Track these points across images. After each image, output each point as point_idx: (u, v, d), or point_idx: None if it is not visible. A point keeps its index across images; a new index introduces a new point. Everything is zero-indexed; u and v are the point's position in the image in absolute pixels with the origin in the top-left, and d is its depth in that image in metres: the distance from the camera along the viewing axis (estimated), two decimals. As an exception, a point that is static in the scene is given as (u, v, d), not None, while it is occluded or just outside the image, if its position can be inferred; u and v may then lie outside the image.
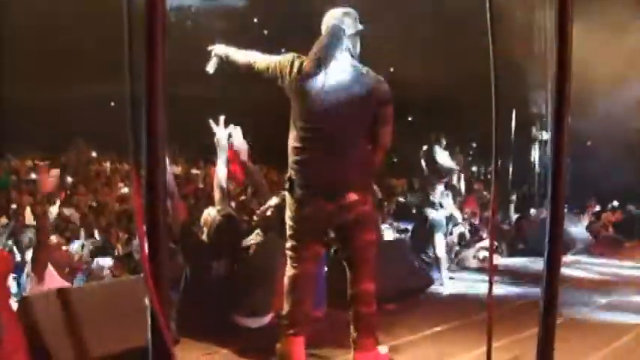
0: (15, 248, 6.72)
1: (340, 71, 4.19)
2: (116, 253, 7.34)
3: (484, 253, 8.84)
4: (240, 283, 5.28)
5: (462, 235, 9.06)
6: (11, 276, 4.85)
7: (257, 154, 6.29)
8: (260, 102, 9.64)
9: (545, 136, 14.40)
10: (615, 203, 13.71)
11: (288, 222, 4.33)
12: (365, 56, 4.34)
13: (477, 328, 4.98)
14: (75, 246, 6.68)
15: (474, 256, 9.09)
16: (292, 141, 4.25)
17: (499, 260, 9.37)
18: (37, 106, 13.55)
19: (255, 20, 16.02)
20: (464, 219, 9.64)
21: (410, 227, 9.26)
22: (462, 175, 9.51)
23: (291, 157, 4.25)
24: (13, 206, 9.45)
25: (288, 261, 4.36)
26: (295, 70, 4.22)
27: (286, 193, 4.34)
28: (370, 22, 4.35)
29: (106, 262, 6.57)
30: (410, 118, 16.37)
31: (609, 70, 11.13)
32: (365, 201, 4.23)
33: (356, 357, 4.27)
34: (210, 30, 14.29)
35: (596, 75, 10.17)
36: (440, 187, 8.21)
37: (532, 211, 11.83)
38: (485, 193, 11.65)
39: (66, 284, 4.97)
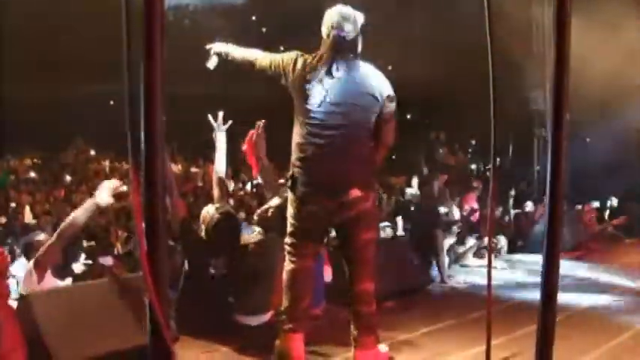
0: (15, 247, 6.72)
1: (342, 69, 4.20)
2: (116, 252, 7.35)
3: (483, 250, 8.86)
4: (239, 281, 5.28)
5: (460, 233, 9.06)
6: (10, 275, 4.85)
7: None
8: (260, 100, 9.65)
9: (545, 133, 14.39)
10: (614, 200, 13.72)
11: (290, 219, 4.33)
12: (363, 54, 4.34)
13: (476, 326, 4.98)
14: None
15: (474, 254, 9.10)
16: (296, 137, 4.26)
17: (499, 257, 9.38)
18: (36, 105, 13.54)
19: (254, 18, 16.01)
20: (462, 216, 9.65)
21: (409, 225, 9.27)
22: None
23: (295, 154, 4.25)
24: (12, 205, 9.46)
25: (287, 256, 4.37)
26: (299, 68, 4.23)
27: (288, 190, 4.34)
28: (368, 19, 4.33)
29: (107, 260, 6.57)
30: (409, 116, 16.37)
31: (607, 66, 11.12)
32: (367, 197, 4.23)
33: (356, 355, 4.27)
34: (208, 28, 14.26)
35: (594, 72, 10.17)
36: (438, 185, 8.25)
37: (529, 204, 11.82)
38: (484, 190, 11.64)
39: (60, 283, 4.97)
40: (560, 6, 1.59)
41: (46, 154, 14.18)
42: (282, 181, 5.94)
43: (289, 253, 4.36)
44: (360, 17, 4.29)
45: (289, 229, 4.34)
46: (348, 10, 4.26)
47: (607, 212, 13.14)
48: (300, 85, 4.22)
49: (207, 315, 5.07)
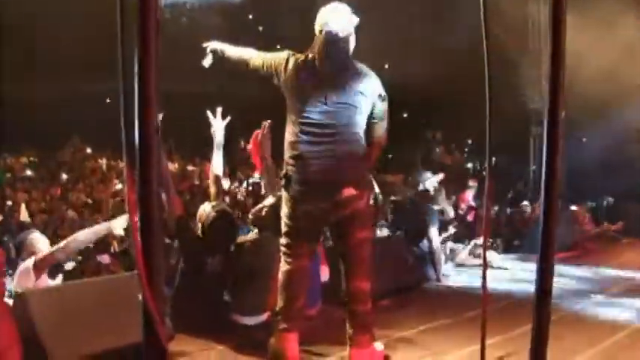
0: (11, 245, 6.70)
1: (335, 68, 4.20)
2: (112, 250, 7.33)
3: (479, 250, 8.87)
4: (235, 279, 5.28)
5: (456, 231, 9.07)
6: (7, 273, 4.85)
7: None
8: (256, 98, 9.63)
9: (541, 131, 14.36)
10: (610, 200, 13.74)
11: (284, 219, 4.34)
12: (359, 52, 4.34)
13: (471, 325, 4.99)
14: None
15: (470, 252, 9.12)
16: (289, 136, 4.26)
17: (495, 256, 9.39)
18: (33, 103, 13.51)
19: (251, 17, 15.99)
20: (458, 215, 9.66)
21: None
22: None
23: (287, 153, 4.25)
24: (9, 203, 9.44)
25: (283, 257, 4.37)
26: (290, 67, 4.23)
27: (282, 189, 4.34)
28: (364, 18, 4.32)
29: (104, 258, 6.56)
30: (405, 115, 16.36)
31: (603, 64, 11.12)
32: (361, 196, 4.24)
33: (352, 353, 4.28)
34: (205, 26, 14.25)
35: (590, 71, 10.18)
36: (433, 182, 8.26)
37: (525, 203, 11.83)
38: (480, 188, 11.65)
39: (50, 282, 4.98)
40: (555, 3, 1.59)
41: (43, 152, 14.14)
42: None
43: (285, 253, 4.36)
44: (353, 17, 4.28)
45: (284, 228, 4.34)
46: (341, 8, 4.25)
47: (603, 212, 13.16)
48: (292, 85, 4.22)
49: (204, 313, 5.07)
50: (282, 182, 4.29)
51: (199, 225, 5.34)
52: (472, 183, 10.86)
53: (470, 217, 9.88)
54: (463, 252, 9.05)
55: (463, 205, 10.19)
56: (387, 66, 11.41)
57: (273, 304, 4.75)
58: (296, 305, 4.32)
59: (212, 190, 5.58)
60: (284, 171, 4.28)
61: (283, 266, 4.35)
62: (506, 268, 8.71)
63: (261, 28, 15.74)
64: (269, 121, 5.19)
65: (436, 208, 8.40)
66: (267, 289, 5.10)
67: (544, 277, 1.73)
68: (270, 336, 4.42)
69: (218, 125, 5.51)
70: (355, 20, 4.28)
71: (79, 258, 6.38)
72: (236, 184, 13.01)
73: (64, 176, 12.60)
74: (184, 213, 5.46)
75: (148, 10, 1.33)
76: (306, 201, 4.20)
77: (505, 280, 7.83)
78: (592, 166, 11.99)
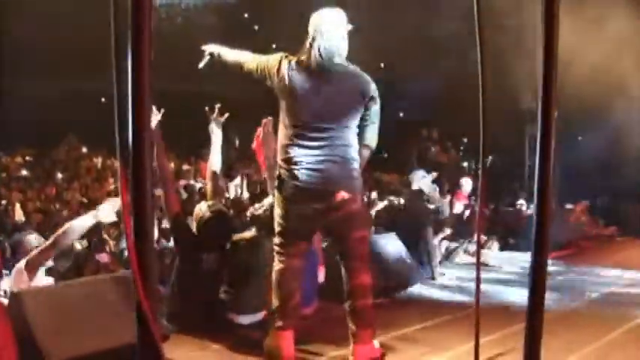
0: (6, 244, 6.68)
1: (328, 70, 4.21)
2: (108, 249, 7.32)
3: (474, 248, 8.88)
4: (231, 278, 5.28)
5: (451, 230, 9.08)
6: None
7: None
8: (253, 99, 9.62)
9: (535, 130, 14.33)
10: (605, 199, 13.76)
11: (277, 219, 4.36)
12: (355, 52, 4.34)
13: (467, 323, 4.99)
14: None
15: (465, 251, 9.13)
16: (281, 139, 4.27)
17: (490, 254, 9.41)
18: (28, 102, 13.48)
19: (246, 16, 15.96)
20: (453, 213, 9.67)
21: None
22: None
23: (280, 155, 4.27)
24: (3, 202, 9.41)
25: (276, 256, 4.40)
26: (283, 69, 4.24)
27: (275, 191, 4.36)
28: (360, 18, 4.33)
29: (103, 257, 6.55)
30: (401, 114, 16.35)
31: (598, 62, 11.12)
32: (354, 199, 4.26)
33: (355, 350, 4.29)
34: (200, 26, 14.24)
35: (584, 70, 10.18)
36: (427, 181, 8.29)
37: (520, 202, 11.86)
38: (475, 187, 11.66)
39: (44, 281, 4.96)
40: (548, 1, 1.58)
41: (38, 151, 14.10)
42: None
43: (278, 252, 4.39)
44: (346, 21, 4.28)
45: (277, 228, 4.37)
46: (334, 13, 4.27)
47: (599, 211, 13.17)
48: (284, 87, 4.23)
49: (200, 312, 5.07)
50: (276, 183, 4.31)
51: (194, 224, 5.34)
52: (468, 181, 10.87)
53: (465, 216, 9.88)
54: (458, 250, 9.06)
55: (459, 204, 10.19)
56: (382, 65, 11.42)
57: (269, 303, 4.76)
58: (291, 303, 4.34)
59: (209, 186, 5.58)
60: (277, 173, 4.30)
61: (277, 265, 4.39)
62: (500, 267, 8.74)
63: (256, 27, 15.71)
64: (269, 118, 5.19)
65: (431, 207, 8.40)
66: (264, 287, 5.10)
67: (538, 274, 1.73)
68: (266, 335, 4.42)
69: (216, 122, 5.51)
70: (349, 26, 4.29)
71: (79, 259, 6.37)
72: (235, 182, 13.00)
73: (59, 175, 12.57)
74: (181, 211, 5.47)
75: (142, 9, 1.33)
76: (299, 202, 4.22)
77: (500, 278, 7.85)
78: (588, 165, 12.01)
